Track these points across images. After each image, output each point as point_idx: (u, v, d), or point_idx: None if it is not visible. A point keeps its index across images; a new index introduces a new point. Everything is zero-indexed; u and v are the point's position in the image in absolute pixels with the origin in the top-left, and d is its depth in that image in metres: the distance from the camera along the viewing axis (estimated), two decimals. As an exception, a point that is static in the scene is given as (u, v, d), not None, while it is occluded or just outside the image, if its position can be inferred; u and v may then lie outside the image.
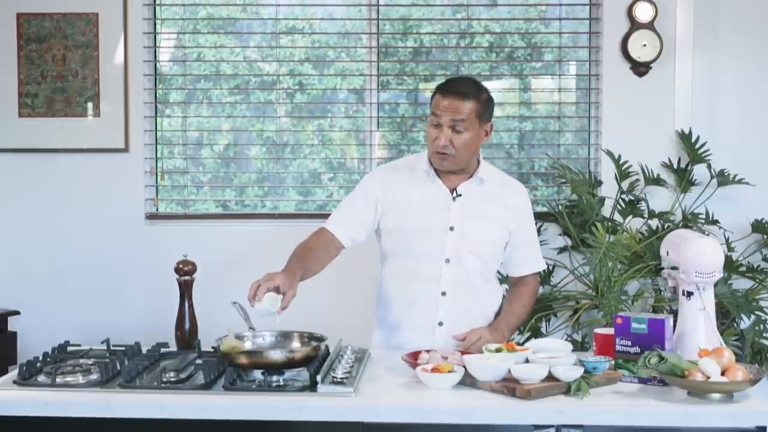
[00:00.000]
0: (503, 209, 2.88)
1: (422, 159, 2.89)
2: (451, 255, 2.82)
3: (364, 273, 3.19)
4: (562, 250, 4.18)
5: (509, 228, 2.89)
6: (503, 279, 3.33)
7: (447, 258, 2.82)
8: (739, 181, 4.10)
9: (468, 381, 2.32)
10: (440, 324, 2.81)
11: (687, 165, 4.14)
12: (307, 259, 2.73)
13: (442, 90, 2.81)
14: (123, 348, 2.64)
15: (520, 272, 2.98)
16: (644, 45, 4.15)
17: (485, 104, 2.82)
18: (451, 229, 2.82)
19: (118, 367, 2.42)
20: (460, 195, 2.84)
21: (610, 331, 2.49)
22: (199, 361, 2.49)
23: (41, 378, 2.38)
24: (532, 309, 3.09)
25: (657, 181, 4.15)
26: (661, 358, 2.26)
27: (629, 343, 2.40)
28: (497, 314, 2.95)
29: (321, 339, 2.48)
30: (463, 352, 2.50)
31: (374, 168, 3.17)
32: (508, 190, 2.94)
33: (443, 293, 2.82)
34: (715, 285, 2.50)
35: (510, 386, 2.24)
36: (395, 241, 2.87)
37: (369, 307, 3.03)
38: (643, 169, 4.15)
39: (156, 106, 4.41)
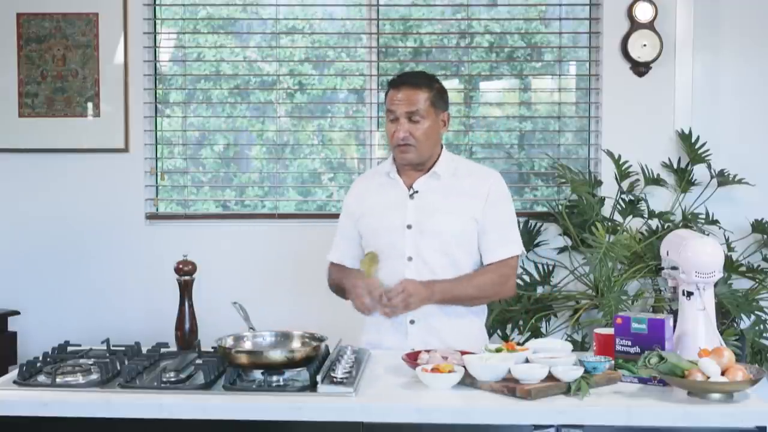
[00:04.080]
0: (464, 199, 2.83)
1: (388, 162, 2.95)
2: (413, 253, 2.82)
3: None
4: (562, 250, 4.18)
5: (475, 217, 2.82)
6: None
7: (409, 256, 2.82)
8: (739, 181, 4.10)
9: (468, 381, 2.32)
10: (411, 322, 2.81)
11: (687, 165, 4.14)
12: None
13: (394, 84, 2.86)
14: (123, 348, 2.64)
15: (488, 259, 2.85)
16: (644, 45, 4.15)
17: (438, 93, 2.85)
18: (409, 227, 2.83)
19: (118, 367, 2.42)
20: (416, 192, 2.85)
21: (610, 331, 2.49)
22: (199, 361, 2.49)
23: (41, 378, 2.38)
24: (494, 295, 2.92)
25: (657, 181, 4.14)
26: (661, 358, 2.25)
27: (629, 343, 2.40)
28: (485, 315, 2.96)
29: (321, 339, 2.48)
30: (463, 352, 2.49)
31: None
32: (470, 179, 2.88)
33: None
34: (715, 285, 2.50)
35: (510, 386, 2.24)
36: (367, 244, 2.92)
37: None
38: (643, 169, 4.15)
39: (156, 106, 4.41)
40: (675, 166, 4.18)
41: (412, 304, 2.69)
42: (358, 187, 3.02)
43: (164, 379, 2.32)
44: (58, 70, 4.29)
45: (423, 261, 2.82)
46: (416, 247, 2.82)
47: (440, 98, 2.85)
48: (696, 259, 2.44)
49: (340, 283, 2.93)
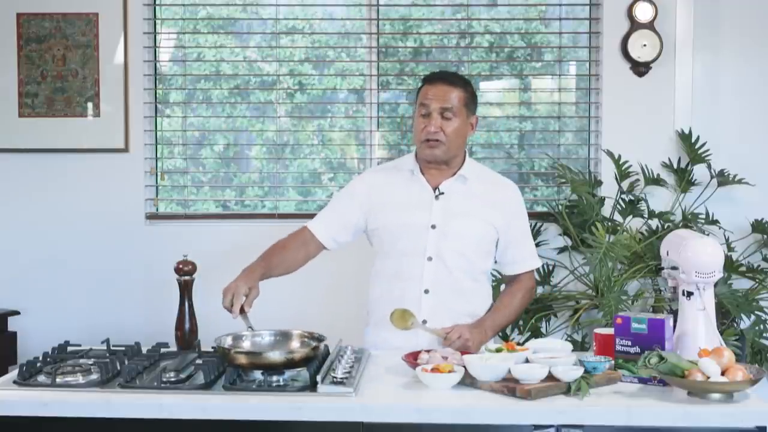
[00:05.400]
0: (488, 207, 2.88)
1: (409, 159, 2.96)
2: (433, 253, 2.84)
3: (359, 272, 3.21)
4: (562, 250, 4.18)
5: (495, 226, 2.88)
6: (498, 281, 3.34)
7: (429, 256, 2.84)
8: (739, 181, 4.10)
9: (468, 381, 2.32)
10: (424, 322, 2.82)
11: (687, 165, 4.14)
12: (273, 257, 2.84)
13: (430, 80, 2.89)
14: (123, 348, 2.64)
15: (513, 270, 2.98)
16: (644, 45, 4.15)
17: (471, 95, 2.91)
18: (433, 227, 2.84)
19: (118, 367, 2.42)
20: (442, 193, 2.87)
21: (610, 331, 2.49)
22: (199, 361, 2.50)
23: (41, 378, 2.38)
24: (525, 308, 3.07)
25: (657, 181, 4.14)
26: (661, 358, 2.26)
27: (629, 343, 2.40)
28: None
29: (320, 339, 2.48)
30: (463, 352, 2.50)
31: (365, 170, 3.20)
32: (494, 187, 2.94)
33: (426, 291, 2.84)
34: (715, 285, 2.50)
35: (510, 386, 2.24)
36: (381, 241, 2.91)
37: (364, 306, 3.03)
38: (643, 169, 4.15)
39: (156, 106, 4.41)
40: (675, 166, 4.18)
41: (472, 348, 2.69)
42: (375, 179, 2.98)
43: (164, 379, 2.32)
44: (58, 70, 4.29)
45: (443, 261, 2.84)
46: (438, 248, 2.84)
47: (472, 101, 2.90)
48: (696, 259, 2.44)
49: (270, 252, 2.87)
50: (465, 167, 2.91)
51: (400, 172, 2.94)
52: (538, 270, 4.11)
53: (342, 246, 2.98)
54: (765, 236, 4.10)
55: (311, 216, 4.29)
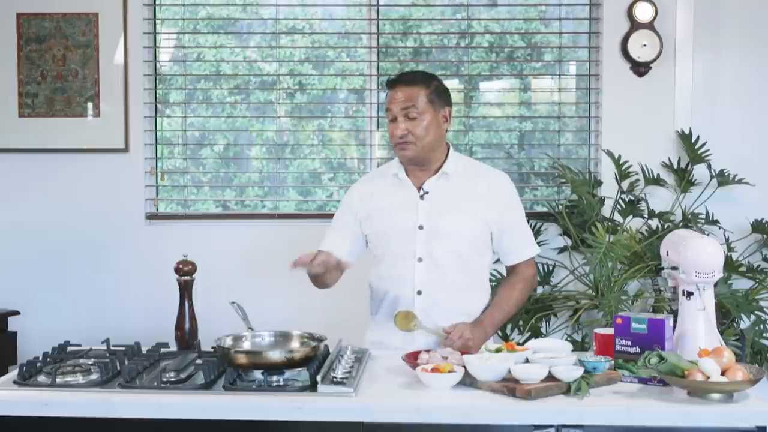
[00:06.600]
0: (475, 200, 2.85)
1: (393, 163, 2.96)
2: (423, 254, 2.83)
3: (359, 273, 3.20)
4: (562, 250, 4.18)
5: (487, 218, 2.85)
6: (498, 280, 3.34)
7: (419, 257, 2.83)
8: (739, 181, 4.10)
9: (468, 381, 2.32)
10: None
11: (687, 165, 4.14)
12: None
13: (390, 84, 2.88)
14: (123, 348, 2.64)
15: (511, 260, 2.94)
16: (644, 45, 4.16)
17: (436, 89, 2.86)
18: (420, 228, 2.83)
19: (118, 367, 2.42)
20: (427, 192, 2.86)
21: (610, 331, 2.49)
22: (199, 361, 2.50)
23: (41, 378, 2.38)
24: (526, 298, 3.02)
25: (657, 181, 4.15)
26: (661, 358, 2.26)
27: (629, 343, 2.40)
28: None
29: (320, 339, 2.48)
30: (463, 352, 2.50)
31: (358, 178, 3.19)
32: (480, 180, 2.91)
33: (419, 292, 2.83)
34: (715, 285, 2.50)
35: (510, 386, 2.24)
36: (375, 246, 2.92)
37: (364, 306, 3.03)
38: (643, 169, 4.15)
39: (156, 106, 4.41)
40: (675, 166, 4.18)
41: (473, 348, 2.67)
42: (364, 188, 2.99)
43: (164, 379, 2.32)
44: (58, 70, 4.29)
45: (434, 262, 2.83)
46: (427, 249, 2.83)
47: (438, 95, 2.86)
48: (696, 259, 2.44)
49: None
50: (447, 163, 2.89)
51: (385, 177, 2.95)
52: (538, 270, 4.13)
53: (358, 258, 2.95)
54: (765, 236, 4.10)
55: (311, 216, 4.36)
